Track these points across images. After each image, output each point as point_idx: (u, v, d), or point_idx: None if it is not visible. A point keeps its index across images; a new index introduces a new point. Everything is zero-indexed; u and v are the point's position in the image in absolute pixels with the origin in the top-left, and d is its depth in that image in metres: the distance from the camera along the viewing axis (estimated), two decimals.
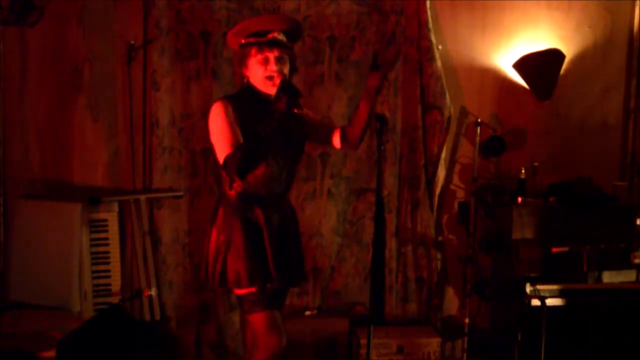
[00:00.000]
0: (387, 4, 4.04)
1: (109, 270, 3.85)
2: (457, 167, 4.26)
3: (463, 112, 4.23)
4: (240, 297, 2.84)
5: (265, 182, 2.83)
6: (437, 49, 4.07)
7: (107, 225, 3.86)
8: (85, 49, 3.94)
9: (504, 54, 4.22)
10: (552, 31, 4.24)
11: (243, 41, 2.83)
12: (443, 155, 4.15)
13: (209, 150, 3.98)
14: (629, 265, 3.82)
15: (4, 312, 3.63)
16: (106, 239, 3.86)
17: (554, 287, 3.79)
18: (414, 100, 4.08)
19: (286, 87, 2.72)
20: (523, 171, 4.03)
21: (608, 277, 3.83)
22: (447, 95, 4.08)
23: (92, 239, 3.82)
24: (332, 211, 4.15)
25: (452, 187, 4.27)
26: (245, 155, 2.68)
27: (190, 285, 4.06)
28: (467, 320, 4.06)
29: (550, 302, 3.70)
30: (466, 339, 4.06)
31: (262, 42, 2.78)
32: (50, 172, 3.99)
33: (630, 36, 4.33)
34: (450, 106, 4.09)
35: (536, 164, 4.12)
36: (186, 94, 3.98)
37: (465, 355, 4.07)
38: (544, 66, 4.19)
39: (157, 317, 3.85)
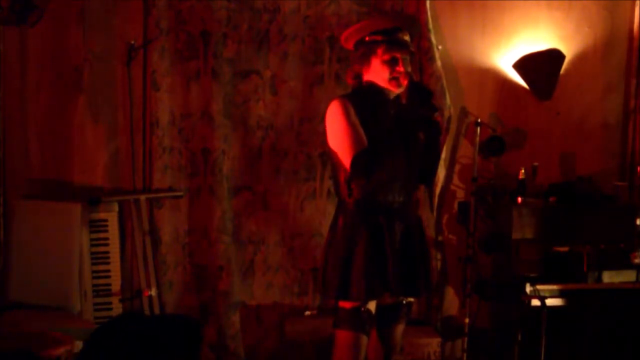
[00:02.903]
0: (387, 4, 4.04)
1: (109, 270, 3.85)
2: (457, 167, 4.26)
3: (463, 112, 4.23)
4: (337, 309, 2.75)
5: (385, 189, 2.71)
6: (437, 49, 4.07)
7: (107, 225, 3.86)
8: (85, 49, 3.94)
9: (504, 54, 4.22)
10: (552, 31, 4.24)
11: (368, 39, 2.71)
12: (443, 155, 4.14)
13: (209, 150, 3.99)
14: (629, 265, 3.82)
15: (4, 312, 3.63)
16: (106, 239, 3.86)
17: (554, 287, 3.79)
18: None
19: (418, 88, 2.62)
20: (523, 171, 4.03)
21: (608, 277, 3.83)
22: (447, 95, 4.08)
23: (92, 239, 3.82)
24: (332, 211, 4.12)
25: (452, 187, 4.27)
26: (372, 157, 2.59)
27: (190, 285, 4.06)
28: (467, 320, 4.05)
29: (550, 302, 3.69)
30: (466, 339, 4.06)
31: (392, 42, 2.67)
32: (50, 172, 3.99)
33: (630, 36, 4.33)
34: (450, 106, 4.09)
35: (536, 164, 4.12)
36: (186, 94, 3.98)
37: (465, 355, 4.07)
38: (544, 66, 4.19)
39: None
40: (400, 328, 2.89)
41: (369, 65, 2.72)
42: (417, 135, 2.72)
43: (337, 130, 2.67)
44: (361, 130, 2.63)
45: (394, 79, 2.69)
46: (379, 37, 2.68)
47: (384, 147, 2.64)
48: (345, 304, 2.72)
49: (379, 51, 2.68)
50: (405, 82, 2.67)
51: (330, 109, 2.71)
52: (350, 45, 2.82)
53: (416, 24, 2.87)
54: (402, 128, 2.69)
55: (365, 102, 2.70)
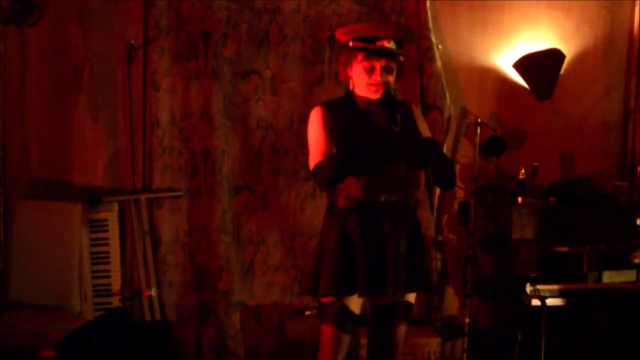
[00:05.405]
0: (387, 4, 4.04)
1: (109, 270, 3.85)
2: (457, 167, 4.25)
3: (463, 112, 4.23)
4: (320, 305, 2.80)
5: (365, 190, 2.72)
6: (437, 49, 4.07)
7: (107, 225, 3.86)
8: (85, 49, 3.94)
9: (504, 54, 4.22)
10: (552, 31, 4.24)
11: (351, 44, 2.76)
12: None
13: (208, 150, 3.99)
14: (629, 265, 3.82)
15: (4, 312, 3.63)
16: (106, 239, 3.86)
17: (554, 287, 3.79)
18: (414, 100, 4.07)
19: (386, 101, 2.64)
20: (523, 171, 4.03)
21: (608, 277, 3.83)
22: (447, 95, 4.08)
23: (92, 239, 3.82)
24: None
25: None
26: (334, 166, 2.63)
27: (190, 285, 4.06)
28: (467, 320, 4.06)
29: (550, 302, 3.69)
30: (466, 339, 4.06)
31: (370, 50, 2.70)
32: (50, 172, 3.99)
33: (630, 36, 4.33)
34: (450, 106, 4.09)
35: (536, 164, 4.12)
36: (186, 94, 3.98)
37: (465, 355, 4.07)
38: (544, 66, 4.19)
39: (157, 317, 3.84)
40: (399, 330, 2.87)
41: (351, 68, 2.79)
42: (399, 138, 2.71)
43: (310, 138, 2.79)
44: (331, 141, 2.70)
45: (370, 86, 2.74)
46: (360, 44, 2.73)
47: (359, 155, 2.66)
48: (324, 299, 2.78)
49: (359, 57, 2.74)
50: (381, 90, 2.70)
51: (310, 115, 2.81)
52: (344, 39, 2.85)
53: (409, 34, 2.90)
54: (385, 134, 2.69)
55: (345, 108, 2.78)
